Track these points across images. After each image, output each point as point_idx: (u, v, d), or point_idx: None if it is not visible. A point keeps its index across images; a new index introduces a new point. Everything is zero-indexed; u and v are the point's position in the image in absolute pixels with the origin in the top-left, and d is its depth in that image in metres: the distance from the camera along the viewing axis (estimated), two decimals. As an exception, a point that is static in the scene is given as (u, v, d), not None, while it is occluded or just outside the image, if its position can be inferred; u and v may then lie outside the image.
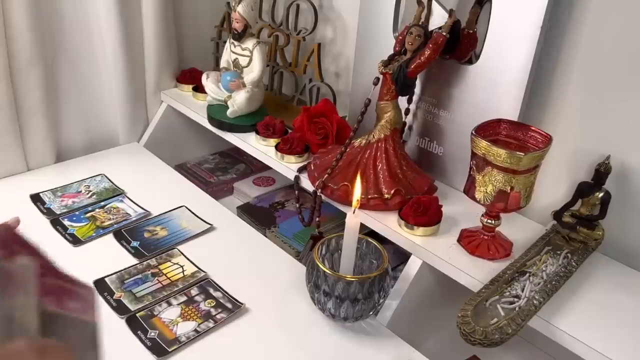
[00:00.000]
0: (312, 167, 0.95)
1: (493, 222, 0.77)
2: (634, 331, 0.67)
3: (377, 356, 0.75)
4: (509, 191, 0.72)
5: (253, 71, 1.08)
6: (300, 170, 0.98)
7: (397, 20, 0.95)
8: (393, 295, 0.81)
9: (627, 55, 0.74)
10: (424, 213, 0.82)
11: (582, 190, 0.78)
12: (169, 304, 0.80)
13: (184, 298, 0.82)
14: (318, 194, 0.91)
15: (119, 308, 0.79)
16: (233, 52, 1.10)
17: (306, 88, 1.13)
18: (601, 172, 0.76)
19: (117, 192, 1.06)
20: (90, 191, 1.06)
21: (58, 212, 0.99)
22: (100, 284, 0.83)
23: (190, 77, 1.27)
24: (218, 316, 0.79)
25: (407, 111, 0.96)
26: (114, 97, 1.19)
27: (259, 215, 1.12)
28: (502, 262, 0.77)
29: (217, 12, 1.31)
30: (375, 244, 0.80)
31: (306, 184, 0.96)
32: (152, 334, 0.75)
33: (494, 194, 0.72)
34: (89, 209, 1.01)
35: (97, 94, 1.19)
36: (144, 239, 0.94)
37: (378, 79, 0.87)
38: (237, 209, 1.15)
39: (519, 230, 0.84)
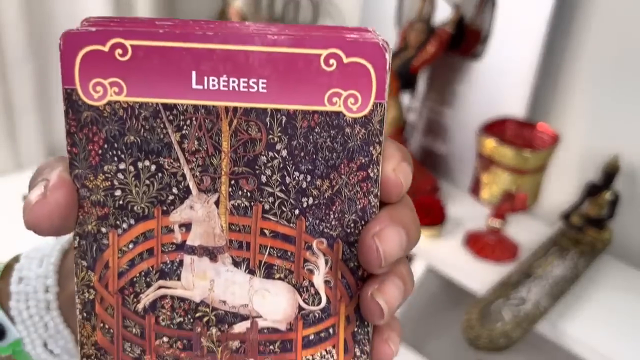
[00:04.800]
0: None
1: (499, 223, 0.76)
2: (645, 336, 0.66)
3: None
4: (515, 192, 0.70)
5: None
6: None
7: (400, 15, 0.94)
8: (395, 298, 0.80)
9: (637, 49, 0.72)
10: (426, 214, 0.81)
11: (590, 191, 0.76)
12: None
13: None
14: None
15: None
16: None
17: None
18: (609, 172, 0.74)
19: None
20: (84, 190, 1.04)
21: (51, 212, 0.97)
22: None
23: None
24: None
25: (410, 109, 0.95)
26: (108, 95, 1.18)
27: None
28: (508, 265, 0.75)
29: (215, 11, 1.29)
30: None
31: (306, 183, 0.95)
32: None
33: (500, 194, 0.71)
34: (83, 208, 0.99)
35: (91, 91, 1.17)
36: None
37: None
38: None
39: (525, 231, 0.82)
